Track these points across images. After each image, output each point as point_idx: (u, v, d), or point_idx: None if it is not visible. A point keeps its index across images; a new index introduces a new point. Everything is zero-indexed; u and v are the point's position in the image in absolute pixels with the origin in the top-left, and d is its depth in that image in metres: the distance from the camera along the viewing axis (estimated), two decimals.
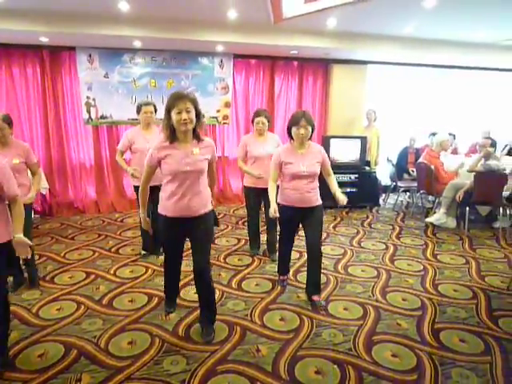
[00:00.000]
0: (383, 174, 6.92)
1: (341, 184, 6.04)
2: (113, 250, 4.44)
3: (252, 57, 6.38)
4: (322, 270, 3.35)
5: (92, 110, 5.76)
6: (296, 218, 3.18)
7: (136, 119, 5.95)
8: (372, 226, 5.49)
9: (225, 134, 6.66)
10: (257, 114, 4.04)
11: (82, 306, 3.13)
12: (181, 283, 3.51)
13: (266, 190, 3.79)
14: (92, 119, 5.79)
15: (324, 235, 4.93)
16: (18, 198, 2.28)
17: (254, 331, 2.79)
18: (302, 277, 3.66)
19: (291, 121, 3.03)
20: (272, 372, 2.36)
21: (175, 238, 2.69)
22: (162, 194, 2.57)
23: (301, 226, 3.25)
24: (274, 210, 3.04)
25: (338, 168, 6.15)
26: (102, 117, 5.82)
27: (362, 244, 4.70)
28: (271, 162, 3.19)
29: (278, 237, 3.59)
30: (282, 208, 3.12)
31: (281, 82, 6.69)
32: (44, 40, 5.13)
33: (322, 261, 3.23)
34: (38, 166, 3.43)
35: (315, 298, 3.16)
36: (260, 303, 3.19)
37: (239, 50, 5.91)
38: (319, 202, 3.15)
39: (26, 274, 3.52)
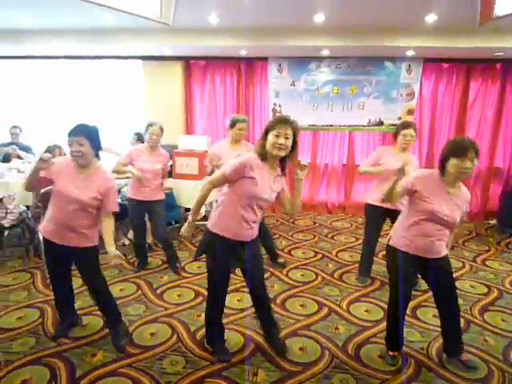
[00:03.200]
0: None
1: None
2: (285, 250, 4.68)
3: (445, 60, 5.83)
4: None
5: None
6: (416, 269, 2.53)
7: (315, 125, 6.16)
8: None
9: None
10: (405, 125, 3.50)
11: None
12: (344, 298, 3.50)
13: (393, 212, 3.37)
14: None
15: None
16: (111, 214, 2.55)
17: (431, 369, 2.56)
18: (490, 317, 3.20)
19: (452, 148, 2.30)
20: None
21: (225, 260, 2.44)
22: (224, 212, 2.35)
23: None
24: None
25: None
26: None
27: None
28: (402, 180, 2.49)
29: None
30: (399, 255, 2.48)
31: (477, 88, 5.93)
32: (243, 53, 5.71)
33: None
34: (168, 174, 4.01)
35: (464, 358, 2.57)
36: (439, 338, 2.89)
37: (431, 53, 5.47)
38: (446, 251, 2.49)
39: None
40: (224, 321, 3.04)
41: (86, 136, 2.40)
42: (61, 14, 4.56)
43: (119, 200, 4.93)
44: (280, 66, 6.00)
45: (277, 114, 6.13)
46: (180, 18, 4.61)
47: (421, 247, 2.40)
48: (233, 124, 3.84)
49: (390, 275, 2.62)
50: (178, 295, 3.49)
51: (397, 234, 2.52)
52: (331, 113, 6.13)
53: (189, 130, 6.49)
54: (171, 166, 5.15)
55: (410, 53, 5.41)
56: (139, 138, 5.53)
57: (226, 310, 3.20)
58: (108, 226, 2.52)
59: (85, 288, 3.53)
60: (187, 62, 6.27)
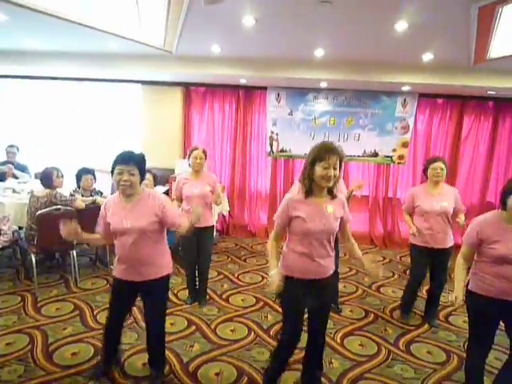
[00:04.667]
0: None
1: None
2: None
3: (439, 96, 6.00)
4: None
5: (274, 144, 6.26)
6: (495, 315, 2.31)
7: None
8: None
9: (399, 175, 6.40)
10: (433, 159, 3.49)
11: (253, 333, 3.36)
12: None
13: (438, 251, 3.46)
14: (273, 152, 6.30)
15: None
16: (180, 227, 2.46)
17: None
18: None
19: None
20: None
21: (299, 300, 2.33)
22: (289, 252, 2.31)
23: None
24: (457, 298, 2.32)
25: None
26: (282, 150, 6.27)
27: None
28: (465, 235, 2.39)
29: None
30: (476, 300, 2.34)
31: (470, 124, 6.11)
32: (243, 81, 5.83)
33: None
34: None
35: None
36: (432, 376, 2.88)
37: (426, 89, 5.64)
38: None
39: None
40: (216, 352, 3.02)
41: (137, 165, 2.28)
42: (65, 38, 4.63)
43: None
44: (278, 95, 6.12)
45: (273, 142, 6.23)
46: (183, 46, 4.71)
47: (501, 290, 2.22)
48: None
49: (469, 323, 2.46)
50: (171, 323, 3.43)
51: (475, 278, 2.35)
52: None
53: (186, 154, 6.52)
54: (168, 190, 5.18)
55: (405, 88, 5.57)
56: None
57: (218, 341, 3.19)
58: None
59: (77, 313, 3.51)
60: (187, 88, 6.37)
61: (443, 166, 3.41)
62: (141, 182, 2.38)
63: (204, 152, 3.70)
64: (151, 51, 4.83)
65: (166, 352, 2.93)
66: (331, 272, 2.34)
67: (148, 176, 4.49)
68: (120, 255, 2.40)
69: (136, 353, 2.95)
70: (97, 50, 5.06)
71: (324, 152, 2.11)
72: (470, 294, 2.38)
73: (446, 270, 3.60)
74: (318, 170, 2.11)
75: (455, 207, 3.44)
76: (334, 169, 2.11)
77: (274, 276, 2.16)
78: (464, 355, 3.11)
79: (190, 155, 3.69)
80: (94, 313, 3.54)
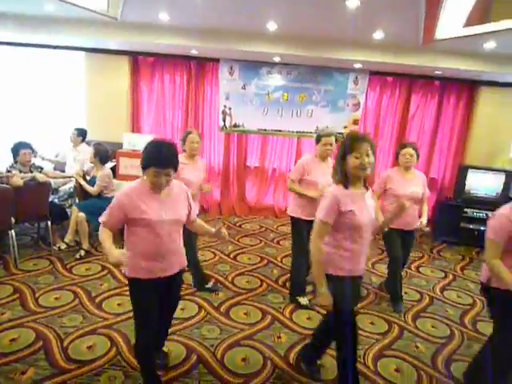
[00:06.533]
0: None
1: (473, 220, 5.60)
2: (231, 255, 4.67)
3: (389, 74, 6.11)
4: None
5: (227, 119, 6.14)
6: None
7: (264, 130, 6.22)
8: None
9: None
10: (403, 145, 3.57)
11: (203, 310, 3.35)
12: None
13: (407, 233, 3.52)
14: (226, 127, 6.18)
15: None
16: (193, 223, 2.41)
17: (367, 377, 2.67)
18: (422, 323, 3.40)
19: None
20: None
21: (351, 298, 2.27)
22: (334, 251, 2.16)
23: None
24: None
25: (473, 202, 5.62)
26: (235, 125, 6.17)
27: None
28: (495, 231, 2.17)
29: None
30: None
31: (418, 102, 6.29)
32: (194, 52, 5.61)
33: None
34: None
35: None
36: (374, 346, 3.03)
37: (377, 67, 5.71)
38: None
39: None
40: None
41: (174, 165, 2.09)
42: None
43: (56, 200, 4.69)
44: (231, 68, 5.96)
45: (226, 117, 6.11)
46: (129, 13, 4.42)
47: None
48: (318, 140, 3.45)
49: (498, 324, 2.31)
50: (118, 304, 3.35)
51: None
52: (280, 118, 6.20)
53: (135, 128, 6.26)
54: (115, 166, 4.97)
55: (357, 65, 5.61)
56: (80, 134, 5.27)
57: None
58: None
59: (16, 296, 3.34)
60: (135, 57, 6.04)
61: (412, 152, 3.46)
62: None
63: (199, 135, 3.50)
64: (93, 16, 4.48)
65: (113, 334, 2.93)
66: None
67: (90, 149, 4.33)
68: (151, 250, 2.14)
69: (81, 336, 2.86)
70: (31, 12, 4.63)
71: (353, 141, 2.07)
72: (493, 291, 2.24)
73: (411, 251, 3.77)
74: (351, 161, 2.06)
75: (422, 192, 3.53)
76: (368, 155, 2.05)
77: (327, 298, 2.12)
78: (405, 325, 3.34)
79: (185, 140, 3.43)
80: (36, 295, 3.37)
